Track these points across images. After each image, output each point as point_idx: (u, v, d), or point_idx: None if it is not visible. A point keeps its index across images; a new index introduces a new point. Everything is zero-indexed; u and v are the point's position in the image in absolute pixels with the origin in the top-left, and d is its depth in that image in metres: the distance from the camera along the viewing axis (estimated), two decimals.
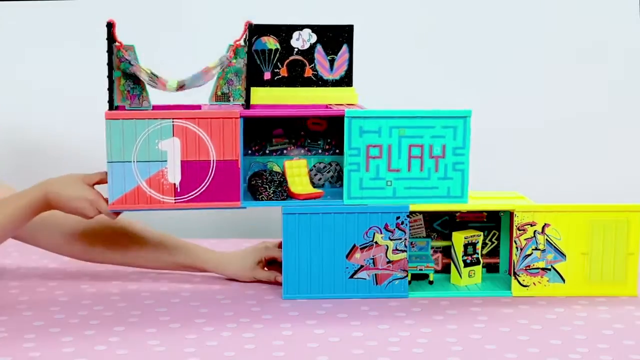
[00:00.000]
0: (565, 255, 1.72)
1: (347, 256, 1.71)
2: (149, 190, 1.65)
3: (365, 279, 1.71)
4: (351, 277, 1.71)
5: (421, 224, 1.84)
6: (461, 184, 1.72)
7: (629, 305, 1.68)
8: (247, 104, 1.71)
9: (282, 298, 1.71)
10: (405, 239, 1.71)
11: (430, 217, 1.83)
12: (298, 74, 1.76)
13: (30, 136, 2.28)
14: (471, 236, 1.78)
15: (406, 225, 1.70)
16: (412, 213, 1.77)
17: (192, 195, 1.67)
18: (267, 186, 1.70)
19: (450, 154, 1.71)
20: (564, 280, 1.73)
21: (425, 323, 1.57)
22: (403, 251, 1.71)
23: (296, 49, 1.74)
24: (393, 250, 1.71)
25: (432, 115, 1.69)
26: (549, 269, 1.73)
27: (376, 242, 1.70)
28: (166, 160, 1.65)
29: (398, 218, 1.70)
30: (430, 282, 1.79)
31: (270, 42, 1.73)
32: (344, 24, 1.77)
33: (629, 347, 1.46)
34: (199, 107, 1.74)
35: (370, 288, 1.72)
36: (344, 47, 1.77)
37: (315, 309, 1.64)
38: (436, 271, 1.85)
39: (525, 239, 1.72)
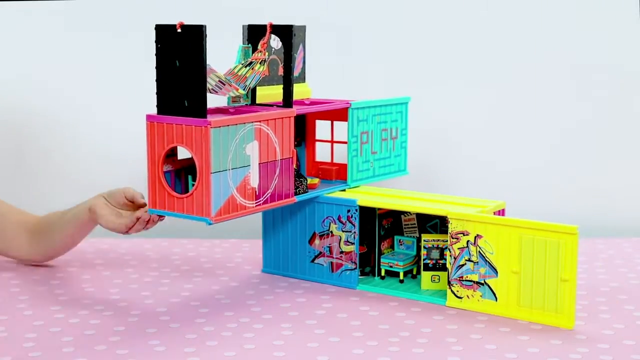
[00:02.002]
0: (497, 272, 1.61)
1: (309, 241, 1.82)
2: (239, 198, 1.61)
3: (322, 265, 1.81)
4: (312, 261, 1.83)
5: (415, 224, 1.85)
6: (404, 159, 2.01)
7: (628, 305, 1.68)
8: (252, 102, 1.77)
9: (262, 272, 1.88)
10: (355, 232, 1.76)
11: (422, 218, 1.84)
12: (275, 72, 1.83)
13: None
14: (435, 240, 1.75)
15: (355, 218, 1.76)
16: (404, 213, 1.84)
17: (266, 196, 1.66)
18: (301, 180, 1.76)
19: (400, 135, 1.98)
20: (496, 299, 1.61)
21: (425, 323, 1.57)
22: (352, 243, 1.77)
23: (273, 49, 1.79)
24: (345, 241, 1.78)
25: (391, 102, 1.94)
26: (482, 284, 1.63)
27: (331, 232, 1.80)
28: (249, 165, 1.62)
29: (349, 211, 1.77)
30: (401, 281, 1.80)
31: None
32: (300, 25, 1.88)
33: (629, 348, 1.46)
34: (225, 109, 1.71)
35: (327, 275, 1.81)
36: (300, 46, 1.89)
37: (314, 309, 1.64)
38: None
39: (458, 248, 1.64)
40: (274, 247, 1.87)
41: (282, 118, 1.68)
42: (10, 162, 2.28)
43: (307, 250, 1.83)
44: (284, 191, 1.71)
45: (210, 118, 1.54)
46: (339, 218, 1.78)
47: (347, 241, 1.78)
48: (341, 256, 1.79)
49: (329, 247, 1.81)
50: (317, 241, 1.82)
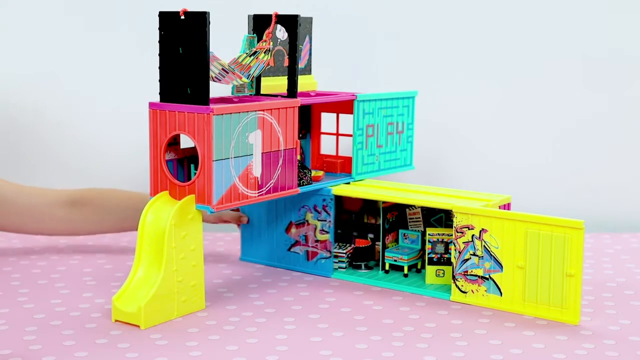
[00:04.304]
0: (502, 266, 1.60)
1: (285, 230, 1.85)
2: (241, 187, 1.60)
3: (298, 253, 1.84)
4: (288, 249, 1.86)
5: (419, 218, 1.83)
6: (410, 154, 2.00)
7: (635, 301, 1.67)
8: (257, 93, 1.76)
9: (240, 260, 1.92)
10: (330, 222, 1.79)
11: (427, 212, 1.82)
12: (280, 64, 1.82)
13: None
14: (439, 234, 1.73)
15: (330, 208, 1.79)
16: (409, 206, 1.82)
17: (268, 186, 1.66)
18: (305, 172, 1.76)
19: (406, 129, 1.97)
20: (501, 293, 1.60)
21: (429, 318, 1.56)
22: (327, 232, 1.80)
23: (279, 40, 1.77)
24: (320, 230, 1.81)
25: (398, 96, 1.93)
26: (487, 279, 1.61)
27: (307, 221, 1.82)
28: (252, 154, 1.62)
29: (324, 200, 1.79)
30: (405, 275, 1.79)
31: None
32: (306, 16, 1.87)
33: (635, 344, 1.45)
34: (229, 98, 1.71)
35: (303, 263, 1.84)
36: (307, 38, 1.88)
37: (318, 303, 1.63)
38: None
39: (463, 242, 1.62)
40: (251, 236, 1.90)
41: (286, 108, 1.67)
42: (9, 154, 2.27)
43: (284, 238, 1.85)
44: (287, 182, 1.70)
45: (213, 106, 1.53)
46: (314, 207, 1.80)
47: (322, 230, 1.80)
48: (316, 245, 1.81)
49: (304, 235, 1.82)
50: (293, 230, 1.84)
